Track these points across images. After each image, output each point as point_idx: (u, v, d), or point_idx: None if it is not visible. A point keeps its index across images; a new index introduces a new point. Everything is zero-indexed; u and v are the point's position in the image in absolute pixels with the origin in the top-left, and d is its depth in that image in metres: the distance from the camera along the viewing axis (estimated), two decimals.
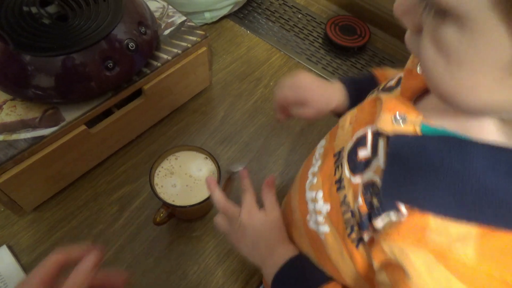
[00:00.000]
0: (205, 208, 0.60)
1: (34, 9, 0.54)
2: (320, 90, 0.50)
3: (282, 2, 0.95)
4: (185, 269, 0.56)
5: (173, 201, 0.54)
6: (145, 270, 0.56)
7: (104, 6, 0.56)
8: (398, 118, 0.30)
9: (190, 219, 0.60)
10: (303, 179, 0.43)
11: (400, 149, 0.29)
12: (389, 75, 0.50)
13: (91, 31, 0.54)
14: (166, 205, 0.53)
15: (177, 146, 0.57)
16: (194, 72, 0.69)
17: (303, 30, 0.89)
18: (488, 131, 0.27)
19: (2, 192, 0.52)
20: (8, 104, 0.55)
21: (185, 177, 0.57)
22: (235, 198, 0.50)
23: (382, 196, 0.29)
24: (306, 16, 0.92)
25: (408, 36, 0.27)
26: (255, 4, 0.93)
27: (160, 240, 0.58)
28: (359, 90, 0.49)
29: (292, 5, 0.94)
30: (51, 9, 0.55)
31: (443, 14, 0.21)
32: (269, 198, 0.48)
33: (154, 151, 0.67)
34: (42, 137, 0.53)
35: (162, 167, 0.57)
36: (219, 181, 0.55)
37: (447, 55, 0.22)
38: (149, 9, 0.64)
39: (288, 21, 0.91)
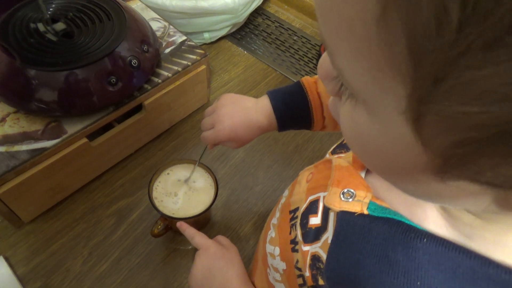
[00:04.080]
0: (202, 221, 0.61)
1: (41, 26, 0.57)
2: (242, 130, 0.48)
3: (278, 24, 0.99)
4: (181, 282, 0.57)
5: (173, 214, 0.55)
6: (141, 282, 0.56)
7: (109, 24, 0.59)
8: (346, 194, 0.29)
9: None
10: (267, 228, 0.43)
11: (346, 229, 0.28)
12: (320, 83, 0.48)
13: (95, 48, 0.56)
14: (163, 217, 0.54)
15: (176, 160, 0.59)
16: (193, 90, 0.71)
17: (298, 51, 0.93)
18: (432, 214, 0.25)
19: (2, 202, 0.53)
20: (11, 117, 0.56)
21: (182, 191, 0.58)
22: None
23: (326, 284, 0.29)
24: (301, 38, 0.96)
25: (330, 99, 0.26)
26: (252, 26, 0.97)
27: (157, 253, 0.59)
28: (288, 110, 0.48)
29: (287, 28, 0.98)
30: (58, 26, 0.58)
31: (356, 97, 0.20)
32: (224, 238, 0.50)
33: (152, 166, 0.69)
34: (44, 149, 0.54)
35: (160, 182, 0.58)
36: (215, 197, 0.56)
37: (361, 140, 0.21)
38: (151, 28, 0.67)
39: (284, 43, 0.94)
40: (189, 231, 0.50)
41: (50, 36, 0.56)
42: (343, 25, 0.16)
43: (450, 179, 0.18)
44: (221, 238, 0.51)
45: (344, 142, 0.38)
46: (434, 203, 0.25)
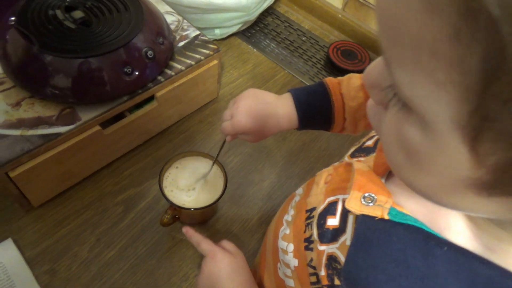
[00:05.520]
0: (209, 213, 0.62)
1: (59, 13, 0.57)
2: (259, 123, 0.48)
3: (288, 25, 1.00)
4: (187, 272, 0.58)
5: (183, 204, 0.55)
6: (147, 270, 0.57)
7: (126, 15, 0.60)
8: (367, 199, 0.29)
9: (194, 224, 0.62)
10: (278, 223, 0.44)
11: (366, 233, 0.28)
12: (343, 84, 0.49)
13: (113, 38, 0.57)
14: (173, 206, 0.55)
15: (187, 152, 0.60)
16: (204, 84, 0.72)
17: (306, 52, 0.94)
18: (455, 224, 0.25)
19: (14, 185, 0.54)
20: (26, 101, 0.57)
21: (191, 182, 0.59)
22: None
23: (343, 285, 0.29)
24: (310, 39, 0.97)
25: (370, 104, 0.26)
26: (262, 25, 0.98)
27: (163, 242, 0.60)
28: (310, 109, 0.48)
29: (297, 28, 0.99)
30: (76, 14, 0.58)
31: (410, 110, 0.19)
32: (230, 244, 0.49)
33: (161, 157, 0.69)
34: (58, 134, 0.54)
35: (170, 172, 0.59)
36: (225, 189, 0.57)
37: (407, 150, 0.21)
38: (166, 21, 0.67)
39: (293, 43, 0.95)
40: (195, 238, 0.49)
41: (68, 23, 0.57)
42: (411, 40, 0.16)
43: (497, 195, 0.18)
44: (226, 244, 0.50)
45: (365, 146, 0.38)
46: (469, 214, 0.25)
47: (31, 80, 0.55)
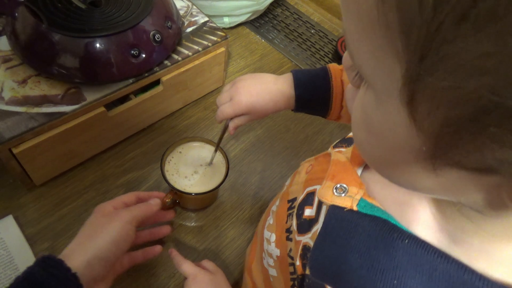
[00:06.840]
0: (209, 199, 0.62)
1: None
2: (259, 102, 0.48)
3: (297, 16, 0.99)
4: (185, 256, 0.57)
5: (184, 189, 0.55)
6: None
7: None
8: (339, 189, 0.29)
9: (193, 209, 0.62)
10: (267, 214, 0.44)
11: (334, 223, 0.28)
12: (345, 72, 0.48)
13: (121, 19, 0.57)
14: (173, 190, 0.55)
15: (190, 137, 0.60)
16: (210, 71, 0.71)
17: (314, 44, 0.93)
18: (424, 216, 0.25)
19: (17, 162, 0.54)
20: (32, 79, 0.57)
21: (193, 167, 0.59)
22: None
23: (310, 275, 0.29)
24: (318, 32, 0.96)
25: (349, 87, 0.27)
26: (271, 16, 0.97)
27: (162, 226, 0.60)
28: (309, 90, 0.49)
29: (306, 21, 0.99)
30: None
31: (366, 82, 0.21)
32: (210, 263, 0.50)
33: (164, 142, 0.69)
34: (62, 113, 0.55)
35: (173, 156, 0.60)
36: (226, 175, 0.57)
37: (366, 124, 0.22)
38: (175, 6, 0.67)
39: (301, 35, 0.95)
40: (177, 259, 0.50)
41: (77, 2, 0.57)
42: (353, 11, 0.18)
43: (441, 167, 0.18)
44: (207, 263, 0.51)
45: (347, 137, 0.39)
46: (428, 194, 0.25)
47: (38, 58, 0.55)
